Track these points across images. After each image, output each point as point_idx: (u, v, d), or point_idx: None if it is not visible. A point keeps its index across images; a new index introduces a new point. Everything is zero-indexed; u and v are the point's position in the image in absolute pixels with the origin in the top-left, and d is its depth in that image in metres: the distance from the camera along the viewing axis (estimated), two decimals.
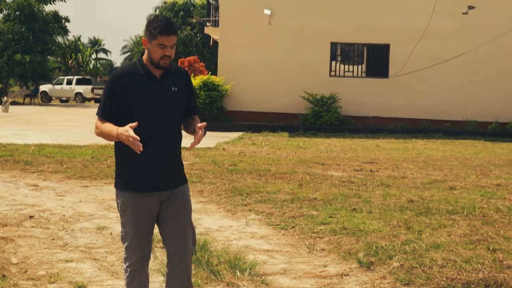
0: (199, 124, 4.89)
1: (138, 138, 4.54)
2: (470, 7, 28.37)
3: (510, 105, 28.55)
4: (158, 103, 4.89)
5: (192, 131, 5.04)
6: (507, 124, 28.46)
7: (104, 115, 4.88)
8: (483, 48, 28.55)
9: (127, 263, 5.10)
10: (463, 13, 28.57)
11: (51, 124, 29.59)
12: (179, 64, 26.12)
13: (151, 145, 4.84)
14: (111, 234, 8.70)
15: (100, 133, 4.88)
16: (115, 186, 5.10)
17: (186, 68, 19.18)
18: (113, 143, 4.95)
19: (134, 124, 4.61)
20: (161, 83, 4.95)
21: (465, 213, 9.84)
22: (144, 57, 4.96)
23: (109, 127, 4.78)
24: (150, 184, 4.94)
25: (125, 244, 5.07)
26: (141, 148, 4.55)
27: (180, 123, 5.14)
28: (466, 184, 12.89)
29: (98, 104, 40.86)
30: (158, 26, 4.78)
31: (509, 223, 9.22)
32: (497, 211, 10.05)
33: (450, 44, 28.83)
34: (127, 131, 4.58)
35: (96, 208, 10.41)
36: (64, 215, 9.78)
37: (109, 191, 11.79)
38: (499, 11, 28.65)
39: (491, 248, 7.70)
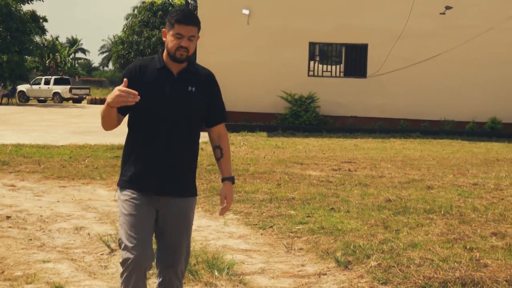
0: (228, 196, 4.85)
1: (128, 90, 4.31)
2: (448, 7, 28.55)
3: (487, 104, 28.76)
4: (169, 100, 4.61)
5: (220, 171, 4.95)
6: (484, 123, 28.65)
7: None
8: (460, 48, 28.72)
9: (123, 268, 4.62)
10: (440, 14, 28.75)
11: (29, 124, 29.44)
12: None
13: (156, 143, 4.62)
14: (88, 234, 8.67)
15: (101, 120, 4.60)
16: (117, 184, 4.82)
17: None
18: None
19: (124, 82, 4.38)
20: (177, 80, 4.67)
21: (442, 212, 9.89)
22: (164, 52, 4.70)
23: (103, 107, 4.51)
24: (152, 185, 4.64)
25: (121, 247, 4.64)
26: (138, 97, 4.30)
27: (198, 129, 4.81)
28: (444, 183, 12.96)
29: (76, 104, 40.49)
30: (176, 14, 4.57)
31: (486, 222, 9.27)
32: (474, 210, 10.11)
33: (428, 44, 28.98)
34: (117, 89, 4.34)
35: (73, 208, 10.36)
36: (41, 216, 9.72)
37: (86, 191, 11.76)
38: (476, 12, 28.83)
39: (468, 247, 7.74)
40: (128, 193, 4.67)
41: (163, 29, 4.72)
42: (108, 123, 4.61)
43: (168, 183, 4.66)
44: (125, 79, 4.41)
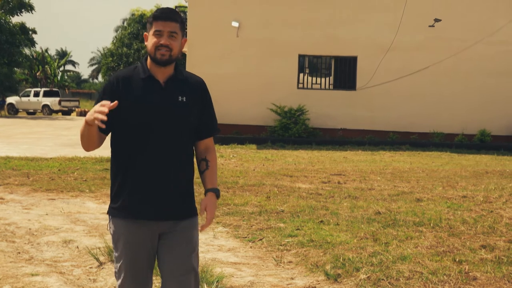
0: (208, 206, 4.31)
1: (105, 110, 3.78)
2: (436, 20, 28.64)
3: (476, 117, 28.85)
4: (159, 114, 4.11)
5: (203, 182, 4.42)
6: (473, 136, 28.71)
7: None
8: (449, 61, 28.82)
9: None
10: (429, 26, 28.84)
11: (18, 136, 29.33)
12: None
13: (147, 163, 4.12)
14: (77, 247, 8.64)
15: (81, 140, 4.16)
16: (108, 212, 4.33)
17: None
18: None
19: (113, 104, 3.84)
20: (165, 91, 4.17)
21: (431, 224, 9.91)
22: (148, 59, 4.22)
23: (81, 126, 4.06)
24: (147, 210, 4.15)
25: (118, 282, 4.25)
26: (106, 114, 3.80)
27: (191, 142, 4.33)
28: (433, 195, 12.97)
29: (65, 117, 40.18)
30: (153, 13, 4.15)
31: (475, 234, 9.29)
32: (463, 222, 10.13)
33: (417, 56, 29.07)
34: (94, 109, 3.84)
35: (62, 221, 10.32)
36: (30, 228, 9.69)
37: (75, 204, 11.72)
38: (465, 24, 28.93)
39: (457, 260, 7.75)
40: (123, 224, 4.22)
41: (145, 33, 4.26)
42: (88, 143, 4.14)
43: (166, 206, 4.19)
44: (103, 110, 3.84)
